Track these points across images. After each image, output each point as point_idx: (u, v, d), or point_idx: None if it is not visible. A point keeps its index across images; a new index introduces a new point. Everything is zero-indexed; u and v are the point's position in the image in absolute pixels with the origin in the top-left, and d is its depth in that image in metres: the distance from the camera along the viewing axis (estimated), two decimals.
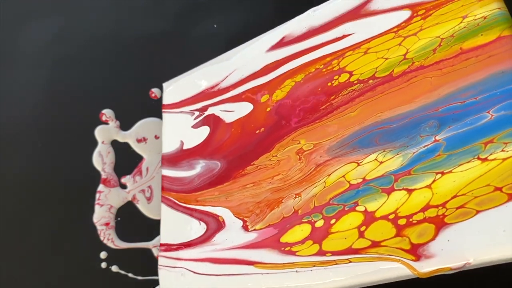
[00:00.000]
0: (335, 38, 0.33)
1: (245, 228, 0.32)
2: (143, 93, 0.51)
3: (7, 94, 0.52)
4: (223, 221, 0.33)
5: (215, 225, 0.33)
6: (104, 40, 0.54)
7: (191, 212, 0.35)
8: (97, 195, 0.46)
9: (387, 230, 0.27)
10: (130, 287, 0.41)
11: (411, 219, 0.26)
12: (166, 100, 0.40)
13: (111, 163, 0.48)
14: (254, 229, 0.32)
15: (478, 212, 0.24)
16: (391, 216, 0.27)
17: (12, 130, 0.50)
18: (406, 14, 0.30)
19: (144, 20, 0.55)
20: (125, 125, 0.50)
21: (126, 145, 0.49)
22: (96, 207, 0.46)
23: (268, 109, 0.34)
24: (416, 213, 0.26)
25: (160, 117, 0.50)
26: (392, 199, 0.27)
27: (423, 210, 0.26)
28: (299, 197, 0.30)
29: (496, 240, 0.23)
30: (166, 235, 0.36)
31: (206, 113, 0.37)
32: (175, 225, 0.35)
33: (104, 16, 0.56)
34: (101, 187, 0.46)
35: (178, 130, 0.38)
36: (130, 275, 0.42)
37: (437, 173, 0.26)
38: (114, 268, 0.43)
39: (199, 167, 0.36)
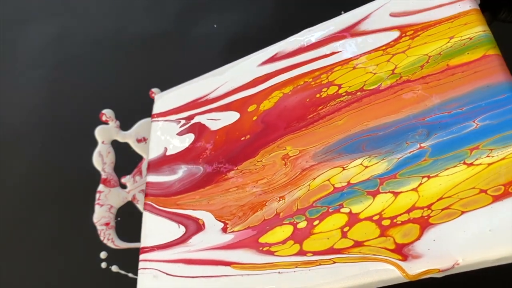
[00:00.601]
0: (324, 55, 0.34)
1: (224, 230, 0.32)
2: (143, 93, 0.51)
3: (8, 94, 0.52)
4: (203, 223, 0.33)
5: (195, 228, 0.33)
6: (104, 40, 0.55)
7: (170, 216, 0.35)
8: (97, 195, 0.46)
9: (370, 230, 0.27)
10: (130, 287, 0.41)
11: (395, 220, 0.26)
12: (155, 110, 0.41)
13: (111, 163, 0.48)
14: (232, 231, 0.32)
15: (463, 212, 0.25)
16: (376, 217, 0.27)
17: (12, 130, 0.50)
18: (395, 34, 0.32)
19: (144, 20, 0.55)
20: (125, 125, 0.50)
21: (126, 145, 0.49)
22: (96, 207, 0.46)
23: (255, 117, 0.35)
24: (400, 214, 0.26)
25: None
26: (378, 201, 0.27)
27: (408, 211, 0.26)
28: (283, 200, 0.30)
29: (484, 240, 0.24)
30: (145, 239, 0.35)
31: (193, 121, 0.38)
32: (155, 229, 0.35)
33: (104, 16, 0.56)
34: (101, 187, 0.46)
35: (163, 137, 0.39)
36: (130, 275, 0.42)
37: (423, 177, 0.27)
38: (114, 268, 0.43)
39: (181, 172, 0.36)
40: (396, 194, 0.27)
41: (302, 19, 0.54)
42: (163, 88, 0.51)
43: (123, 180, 0.47)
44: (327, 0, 0.54)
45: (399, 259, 0.25)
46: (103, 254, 0.43)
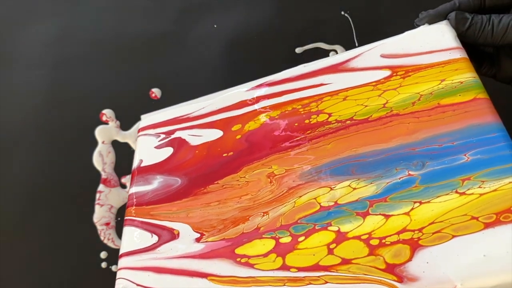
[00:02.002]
0: (313, 85, 0.35)
1: (198, 240, 0.31)
2: (143, 93, 0.51)
3: (8, 95, 0.52)
4: (178, 233, 0.32)
5: (168, 238, 0.32)
6: (104, 40, 0.55)
7: (142, 225, 0.33)
8: (97, 195, 0.46)
9: (358, 248, 0.27)
10: None
11: (384, 240, 0.27)
12: (140, 125, 0.41)
13: (111, 163, 0.48)
14: (206, 241, 0.31)
15: (454, 236, 0.25)
16: (364, 237, 0.27)
17: (12, 130, 0.50)
18: (385, 73, 0.33)
19: (144, 20, 0.55)
20: (125, 125, 0.50)
21: (126, 145, 0.49)
22: (96, 207, 0.46)
23: (238, 136, 0.35)
24: (390, 235, 0.27)
25: None
26: (369, 222, 0.28)
27: (399, 233, 0.26)
28: (267, 215, 0.30)
29: (481, 265, 0.24)
30: (121, 249, 0.34)
31: (173, 136, 0.37)
32: (128, 239, 0.34)
33: (104, 16, 0.56)
34: (101, 187, 0.47)
35: (142, 150, 0.38)
36: None
37: (415, 202, 0.27)
38: (114, 268, 0.43)
39: (156, 182, 0.35)
40: (387, 216, 0.27)
41: (302, 19, 0.54)
42: (163, 88, 0.51)
43: (123, 180, 0.47)
44: (326, 0, 0.54)
45: (395, 280, 0.25)
46: (103, 254, 0.44)
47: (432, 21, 0.33)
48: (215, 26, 0.54)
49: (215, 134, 0.36)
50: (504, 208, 0.25)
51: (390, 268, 0.26)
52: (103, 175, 0.47)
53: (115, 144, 0.49)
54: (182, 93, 0.51)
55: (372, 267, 0.26)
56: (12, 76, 0.53)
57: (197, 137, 0.36)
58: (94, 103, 0.51)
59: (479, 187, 0.26)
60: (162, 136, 0.38)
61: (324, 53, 0.52)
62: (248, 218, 0.31)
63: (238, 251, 0.30)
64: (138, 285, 0.31)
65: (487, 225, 0.25)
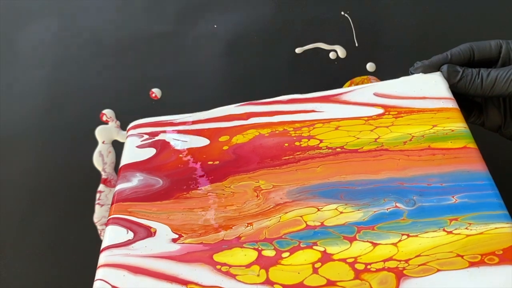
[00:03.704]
0: (304, 110, 0.35)
1: (174, 240, 0.30)
2: (143, 93, 0.51)
3: (8, 94, 0.52)
4: (155, 232, 0.31)
5: (144, 235, 0.31)
6: (104, 40, 0.55)
7: (118, 221, 0.32)
8: (97, 195, 0.46)
9: (344, 271, 0.27)
10: None
11: (369, 266, 0.27)
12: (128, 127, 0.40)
13: (111, 163, 0.48)
14: (183, 243, 0.30)
15: (438, 270, 0.26)
16: (350, 260, 0.27)
17: (12, 130, 0.51)
18: (378, 110, 0.34)
19: (144, 20, 0.55)
20: (125, 125, 0.50)
21: None
22: (96, 207, 0.46)
23: (226, 147, 0.34)
24: (376, 262, 0.27)
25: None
26: (356, 247, 0.28)
27: (385, 261, 0.27)
28: (251, 226, 0.30)
29: None
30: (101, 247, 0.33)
31: (157, 138, 0.37)
32: (107, 236, 0.32)
33: (104, 16, 0.56)
34: (101, 187, 0.47)
35: (127, 150, 0.37)
36: None
37: (403, 234, 0.28)
38: None
39: (136, 180, 0.34)
40: (375, 244, 0.28)
41: (302, 19, 0.54)
42: (163, 88, 0.51)
43: None
44: (326, 0, 0.54)
45: None
46: None
47: (426, 71, 0.35)
48: (215, 26, 0.54)
49: (201, 141, 0.35)
50: (489, 250, 0.26)
51: None
52: (103, 175, 0.47)
53: (115, 144, 0.49)
54: (182, 93, 0.51)
55: None
56: (12, 76, 0.53)
57: (182, 142, 0.36)
58: (94, 103, 0.51)
59: (466, 228, 0.27)
60: (146, 136, 0.37)
61: (324, 53, 0.52)
62: (231, 227, 0.30)
63: (217, 257, 0.29)
64: (113, 286, 0.29)
65: (472, 264, 0.26)
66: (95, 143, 0.49)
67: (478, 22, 0.52)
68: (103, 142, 0.49)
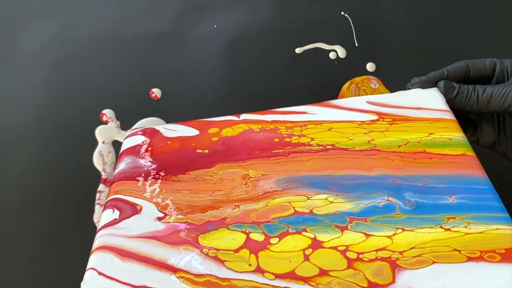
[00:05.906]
0: (296, 111, 0.35)
1: (159, 219, 0.30)
2: (143, 93, 0.51)
3: (8, 94, 0.52)
4: (141, 209, 0.30)
5: (130, 212, 0.30)
6: (104, 40, 0.55)
7: (106, 205, 0.32)
8: (97, 195, 0.46)
9: (336, 259, 0.26)
10: None
11: (361, 256, 0.26)
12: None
13: (111, 163, 0.48)
14: (168, 222, 0.30)
15: (434, 262, 0.25)
16: (341, 248, 0.27)
17: (12, 130, 0.50)
18: (372, 116, 0.34)
19: (144, 20, 0.55)
20: (125, 125, 0.50)
21: None
22: (96, 207, 0.46)
23: (215, 138, 0.35)
24: (369, 252, 0.26)
25: (160, 116, 0.50)
26: (347, 236, 0.27)
27: (377, 250, 0.26)
28: (238, 208, 0.30)
29: None
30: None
31: (145, 126, 0.38)
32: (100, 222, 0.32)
33: (104, 16, 0.56)
34: (101, 187, 0.47)
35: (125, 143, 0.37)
36: None
37: (397, 228, 0.27)
38: None
39: (124, 163, 0.34)
40: (368, 235, 0.27)
41: (302, 19, 0.54)
42: (163, 88, 0.51)
43: None
44: (326, 0, 0.54)
45: None
46: None
47: (423, 86, 0.36)
48: (215, 26, 0.54)
49: (191, 131, 0.36)
50: (489, 248, 0.25)
51: (373, 287, 0.25)
52: (103, 175, 0.47)
53: (115, 144, 0.49)
54: (182, 93, 0.51)
55: (353, 283, 0.25)
56: (12, 76, 0.53)
57: (171, 131, 0.36)
58: (94, 103, 0.51)
59: (465, 227, 0.27)
60: (136, 129, 0.38)
61: (324, 53, 0.52)
62: (218, 208, 0.30)
63: (204, 240, 0.28)
64: (100, 273, 0.28)
65: (470, 259, 0.25)
66: (95, 143, 0.49)
67: (478, 22, 0.52)
68: (103, 142, 0.49)
